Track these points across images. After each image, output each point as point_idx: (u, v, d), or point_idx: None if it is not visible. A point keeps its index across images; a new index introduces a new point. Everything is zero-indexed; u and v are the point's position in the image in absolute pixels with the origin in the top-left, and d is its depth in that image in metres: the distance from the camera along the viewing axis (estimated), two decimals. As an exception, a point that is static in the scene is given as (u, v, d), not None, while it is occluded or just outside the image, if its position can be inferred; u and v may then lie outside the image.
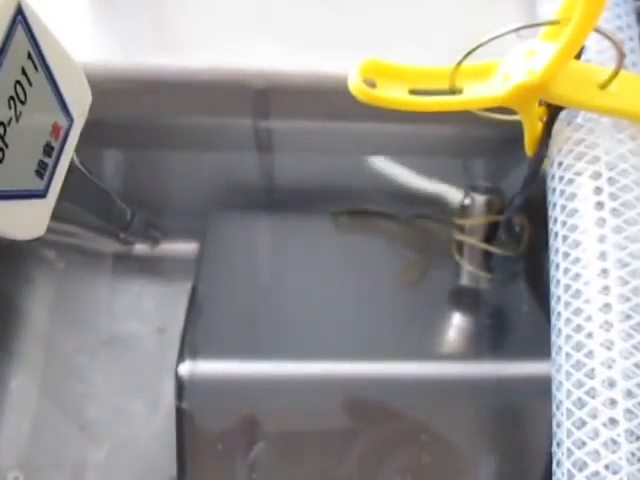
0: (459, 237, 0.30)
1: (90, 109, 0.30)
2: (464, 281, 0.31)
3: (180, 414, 0.27)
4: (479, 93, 0.21)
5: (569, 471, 0.18)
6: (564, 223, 0.22)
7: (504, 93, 0.20)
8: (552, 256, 0.22)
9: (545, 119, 0.23)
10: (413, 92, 0.23)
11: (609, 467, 0.17)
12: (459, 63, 0.21)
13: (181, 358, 0.26)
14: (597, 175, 0.21)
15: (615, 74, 0.20)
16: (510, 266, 0.29)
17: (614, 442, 0.17)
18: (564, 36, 0.18)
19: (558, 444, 0.19)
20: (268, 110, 0.28)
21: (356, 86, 0.22)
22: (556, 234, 0.22)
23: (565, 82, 0.21)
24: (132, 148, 0.36)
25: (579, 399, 0.18)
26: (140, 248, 0.41)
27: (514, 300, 0.29)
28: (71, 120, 0.18)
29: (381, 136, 0.31)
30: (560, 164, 0.23)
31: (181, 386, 0.26)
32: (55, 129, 0.17)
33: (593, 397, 0.18)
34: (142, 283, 0.42)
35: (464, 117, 0.23)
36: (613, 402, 0.18)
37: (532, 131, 0.23)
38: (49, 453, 0.37)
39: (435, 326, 0.31)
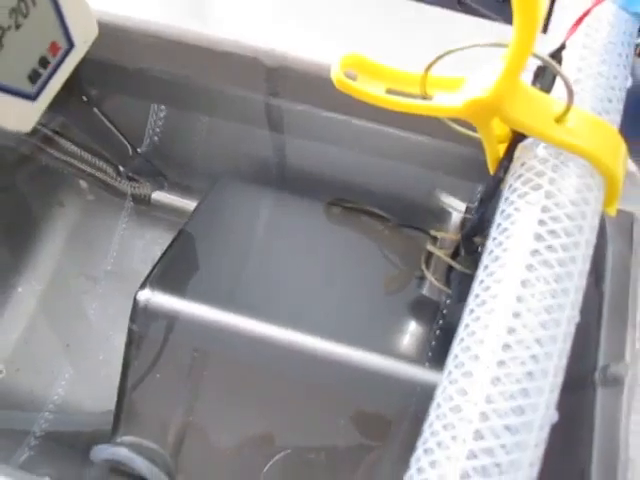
0: (430, 248, 0.31)
1: (131, 58, 0.34)
2: (425, 291, 0.32)
3: (130, 335, 0.30)
4: (441, 102, 0.23)
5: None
6: (500, 243, 0.23)
7: (459, 105, 0.22)
8: (480, 271, 0.23)
9: (508, 143, 0.24)
10: (390, 91, 0.24)
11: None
12: (426, 71, 0.22)
13: (143, 285, 0.29)
14: (535, 202, 0.22)
15: (567, 110, 0.21)
16: (469, 283, 0.30)
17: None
18: (506, 59, 0.19)
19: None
20: (277, 89, 0.31)
21: (336, 75, 0.24)
22: (490, 252, 0.23)
23: (523, 108, 0.22)
24: (167, 103, 0.39)
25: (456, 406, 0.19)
26: (160, 200, 0.44)
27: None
28: (71, 44, 0.21)
29: (382, 139, 0.33)
30: (510, 186, 0.24)
31: (135, 310, 0.29)
32: (53, 47, 0.20)
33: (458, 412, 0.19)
34: (155, 231, 0.46)
35: (465, 138, 0.24)
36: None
37: (491, 151, 0.24)
38: (32, 358, 0.41)
39: (388, 325, 0.32)
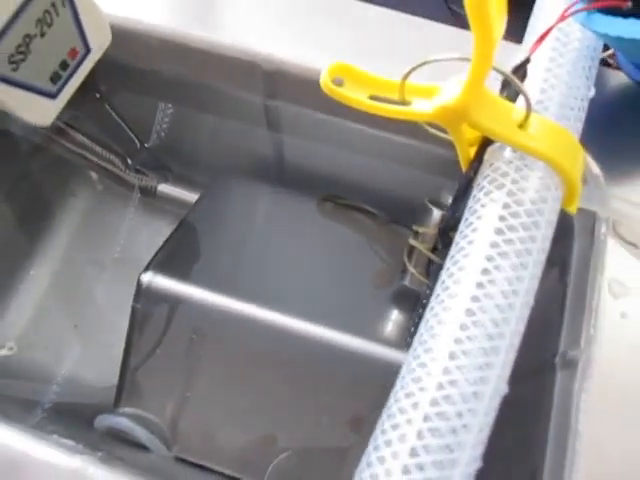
0: (412, 242, 0.33)
1: (141, 59, 0.36)
2: (407, 282, 0.34)
3: (133, 314, 0.32)
4: (417, 108, 0.25)
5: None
6: (465, 236, 0.25)
7: (431, 111, 0.24)
8: (447, 260, 0.25)
9: (477, 146, 0.26)
10: (373, 97, 0.27)
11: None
12: (403, 79, 0.25)
13: (146, 268, 0.32)
14: (498, 199, 0.24)
15: (527, 117, 0.24)
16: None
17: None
18: (469, 70, 0.21)
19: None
20: (275, 92, 0.33)
21: (324, 82, 0.26)
22: (457, 243, 0.26)
23: (488, 115, 0.24)
24: (178, 102, 0.42)
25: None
26: (166, 192, 0.47)
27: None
28: (88, 49, 0.24)
29: (371, 140, 0.35)
30: (478, 185, 0.26)
31: (139, 291, 0.32)
32: (72, 52, 0.23)
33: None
34: (161, 222, 0.48)
35: (445, 141, 0.27)
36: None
37: (463, 152, 0.27)
38: (41, 336, 0.44)
39: (373, 312, 0.34)
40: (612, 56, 0.34)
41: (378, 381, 0.33)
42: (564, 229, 0.33)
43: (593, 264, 0.28)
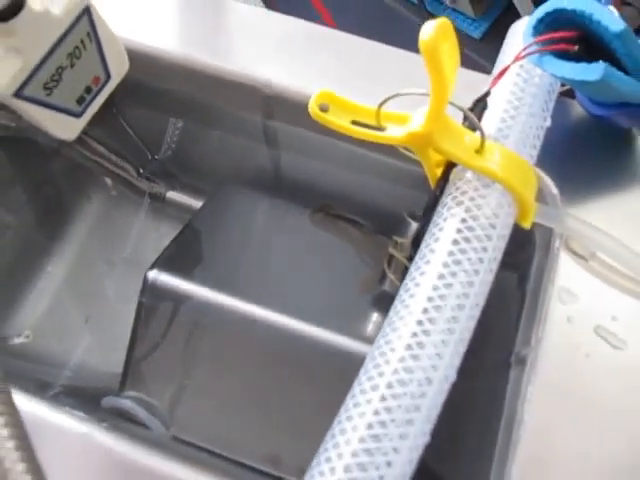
0: (391, 251, 0.37)
1: (155, 79, 0.40)
2: (386, 287, 0.38)
3: (139, 307, 0.36)
4: (390, 133, 0.29)
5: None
6: (427, 245, 0.29)
7: (401, 136, 0.28)
8: (412, 266, 0.29)
9: (443, 168, 0.30)
10: (354, 122, 0.31)
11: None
12: (378, 108, 0.29)
13: (152, 266, 0.36)
14: (457, 215, 0.28)
15: (482, 144, 0.27)
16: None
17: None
18: (429, 104, 0.25)
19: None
20: (273, 113, 0.38)
21: (312, 107, 0.30)
22: (421, 251, 0.29)
23: (449, 141, 0.28)
24: (187, 119, 0.46)
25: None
26: (173, 199, 0.51)
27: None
28: (109, 76, 0.28)
29: (357, 158, 0.39)
30: (442, 202, 0.30)
31: (145, 286, 0.36)
32: (95, 79, 0.27)
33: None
34: (168, 226, 0.52)
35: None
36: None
37: (430, 173, 0.30)
38: (55, 326, 0.48)
39: (354, 313, 0.38)
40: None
41: (354, 372, 0.36)
42: (527, 243, 0.36)
43: (547, 274, 0.32)
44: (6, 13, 0.21)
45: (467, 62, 0.50)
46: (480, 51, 0.50)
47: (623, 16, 0.46)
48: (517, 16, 0.46)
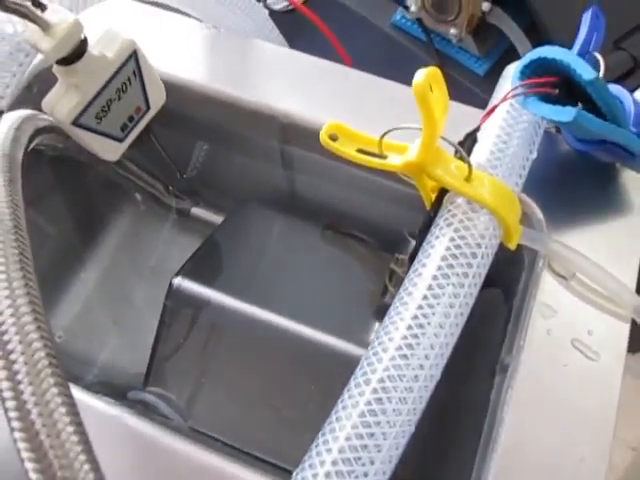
0: (392, 266, 0.41)
1: (186, 107, 0.45)
2: (387, 300, 0.42)
3: (164, 310, 0.40)
4: (390, 161, 0.33)
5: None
6: (420, 260, 0.33)
7: (399, 164, 0.32)
8: (406, 279, 0.33)
9: (437, 193, 0.34)
10: (360, 150, 0.35)
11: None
12: (380, 138, 0.33)
13: (179, 272, 0.40)
14: (447, 234, 0.32)
15: (470, 173, 0.31)
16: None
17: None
18: (422, 137, 0.29)
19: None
20: (289, 139, 0.42)
21: (322, 137, 0.34)
22: (414, 266, 0.33)
23: (441, 170, 0.32)
24: (212, 143, 0.51)
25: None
26: (197, 214, 0.56)
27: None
28: (148, 107, 0.32)
29: (366, 182, 0.43)
30: (435, 222, 0.34)
31: (170, 291, 0.40)
32: (137, 109, 0.31)
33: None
34: (192, 239, 0.57)
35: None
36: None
37: (426, 196, 0.34)
38: (86, 328, 0.52)
39: (358, 323, 0.42)
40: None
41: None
42: (516, 263, 0.40)
43: (530, 290, 0.35)
44: (71, 58, 0.26)
45: (471, 96, 0.54)
46: (483, 87, 0.54)
47: (616, 59, 0.50)
48: (518, 56, 0.51)
